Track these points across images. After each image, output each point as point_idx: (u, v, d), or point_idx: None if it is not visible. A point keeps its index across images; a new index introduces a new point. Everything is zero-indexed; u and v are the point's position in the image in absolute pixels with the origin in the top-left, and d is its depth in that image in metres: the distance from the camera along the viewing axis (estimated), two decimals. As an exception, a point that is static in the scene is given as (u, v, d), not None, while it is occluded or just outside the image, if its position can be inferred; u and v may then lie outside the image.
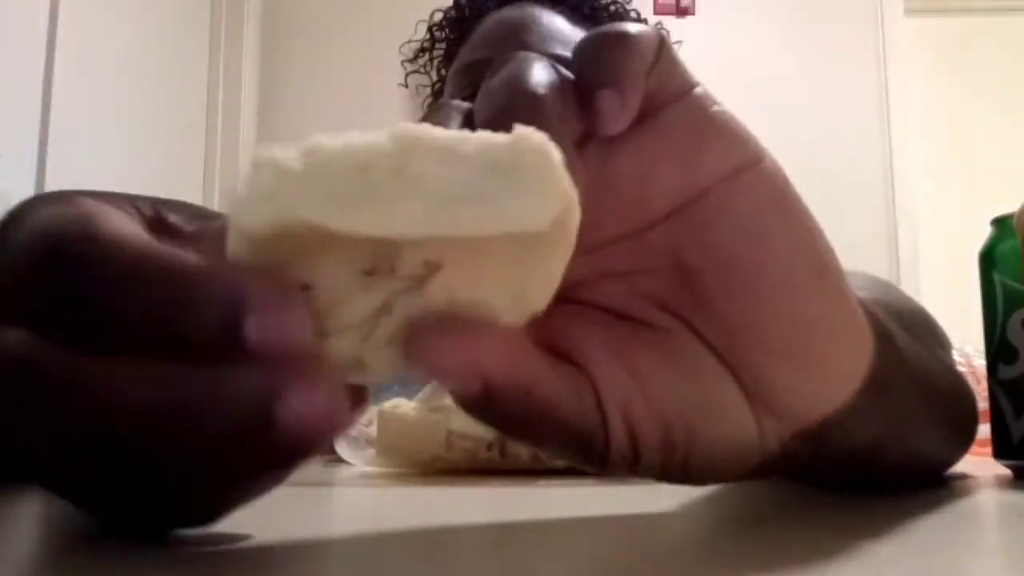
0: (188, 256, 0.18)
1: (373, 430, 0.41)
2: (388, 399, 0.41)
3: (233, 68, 2.50)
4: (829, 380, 0.24)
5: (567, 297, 0.23)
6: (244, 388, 0.18)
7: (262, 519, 0.30)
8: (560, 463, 0.40)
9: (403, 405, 0.41)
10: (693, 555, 0.23)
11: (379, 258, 0.18)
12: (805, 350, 0.24)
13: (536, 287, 0.20)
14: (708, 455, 0.24)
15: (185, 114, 2.36)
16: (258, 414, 0.18)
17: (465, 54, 0.74)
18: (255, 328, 0.17)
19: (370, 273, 0.19)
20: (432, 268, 0.19)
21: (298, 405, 0.18)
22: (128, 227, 0.19)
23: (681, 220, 0.23)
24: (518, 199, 0.18)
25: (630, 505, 0.33)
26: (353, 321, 0.19)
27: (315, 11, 2.63)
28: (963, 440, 0.39)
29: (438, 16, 0.79)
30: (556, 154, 0.18)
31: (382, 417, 0.41)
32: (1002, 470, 0.42)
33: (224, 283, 0.17)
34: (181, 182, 2.27)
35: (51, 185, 1.76)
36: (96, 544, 0.23)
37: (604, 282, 0.24)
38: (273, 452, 0.19)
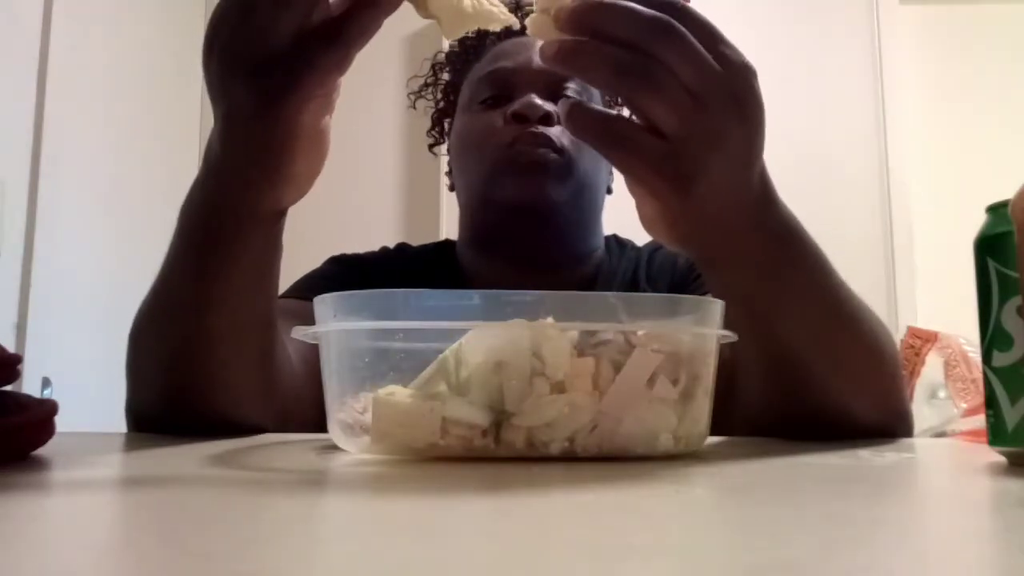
0: None
1: (368, 417, 0.41)
2: (383, 386, 0.41)
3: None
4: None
5: None
6: None
7: (259, 504, 0.30)
8: (554, 449, 0.40)
9: (398, 392, 0.41)
10: (684, 536, 0.23)
11: None
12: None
13: None
14: None
15: (180, 122, 2.35)
16: None
17: (484, 67, 0.88)
18: None
19: None
20: None
21: None
22: None
23: None
24: None
25: (625, 489, 0.33)
26: None
27: None
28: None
29: (441, 56, 1.00)
30: None
31: (377, 404, 0.40)
32: (997, 458, 0.42)
33: None
34: (180, 184, 2.27)
35: (45, 172, 1.75)
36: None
37: None
38: None
